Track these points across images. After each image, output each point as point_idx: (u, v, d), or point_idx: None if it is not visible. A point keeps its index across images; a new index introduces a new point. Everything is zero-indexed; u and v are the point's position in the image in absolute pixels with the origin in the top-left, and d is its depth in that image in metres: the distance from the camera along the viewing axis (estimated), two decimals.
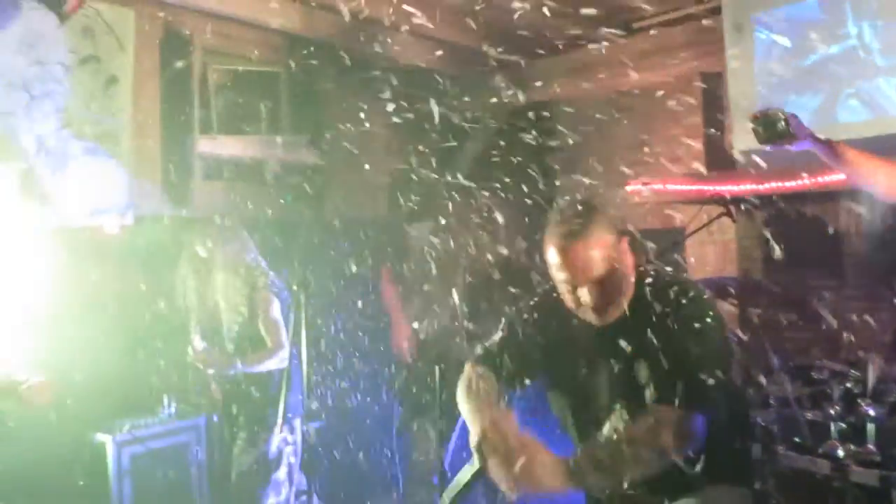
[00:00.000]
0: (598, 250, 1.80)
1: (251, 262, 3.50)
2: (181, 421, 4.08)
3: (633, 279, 1.91)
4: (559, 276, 1.86)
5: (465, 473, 1.87)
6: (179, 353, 3.70)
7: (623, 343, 1.86)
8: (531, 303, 2.12)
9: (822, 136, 2.35)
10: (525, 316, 2.10)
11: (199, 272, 3.52)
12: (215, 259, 3.47)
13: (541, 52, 5.08)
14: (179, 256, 3.58)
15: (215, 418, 4.15)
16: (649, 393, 1.83)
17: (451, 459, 3.62)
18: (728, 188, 4.09)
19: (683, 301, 1.86)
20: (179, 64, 4.15)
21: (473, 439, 1.79)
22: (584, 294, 1.83)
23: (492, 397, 1.96)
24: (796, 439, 3.30)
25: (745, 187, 4.01)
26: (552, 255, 1.85)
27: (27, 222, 3.51)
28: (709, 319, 1.85)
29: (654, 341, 1.81)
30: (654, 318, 1.85)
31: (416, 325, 3.88)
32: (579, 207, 1.85)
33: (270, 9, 4.12)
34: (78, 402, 3.81)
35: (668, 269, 2.09)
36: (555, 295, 1.98)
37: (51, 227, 3.60)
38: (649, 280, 1.91)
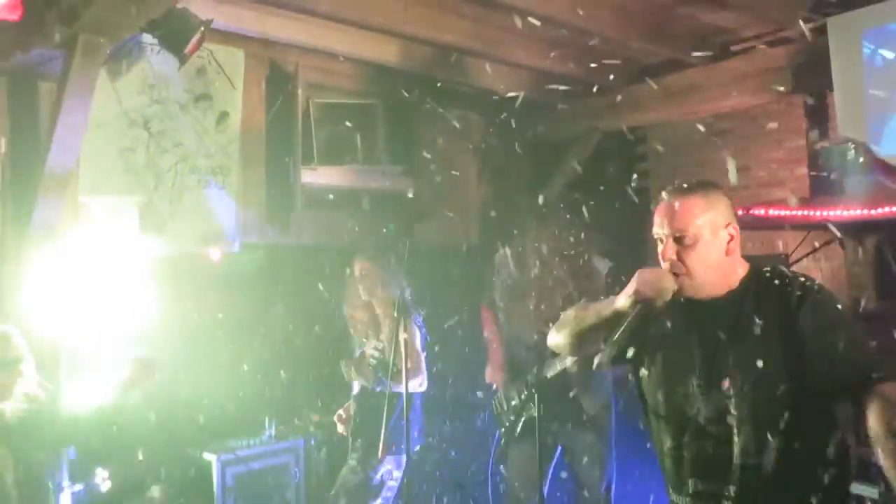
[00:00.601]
0: (689, 211, 1.91)
1: (400, 295, 3.71)
2: (281, 443, 4.22)
3: (738, 267, 1.96)
4: (654, 231, 1.98)
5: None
6: (284, 377, 3.84)
7: (735, 318, 1.90)
8: None
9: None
10: None
11: (355, 300, 3.82)
12: (367, 288, 3.75)
13: (634, 77, 5.05)
14: (278, 285, 3.76)
15: (313, 441, 4.28)
16: (771, 370, 1.84)
17: (549, 485, 3.59)
18: (835, 213, 3.92)
19: (812, 287, 1.89)
20: (283, 98, 4.34)
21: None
22: (669, 248, 1.92)
23: None
24: None
25: (854, 212, 3.84)
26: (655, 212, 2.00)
27: (144, 251, 3.73)
28: (840, 307, 1.90)
29: (777, 313, 1.85)
30: (777, 300, 1.88)
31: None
32: (694, 181, 1.99)
33: (368, 43, 4.28)
34: (187, 421, 4.00)
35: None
36: None
37: (164, 255, 3.81)
38: (768, 268, 1.97)
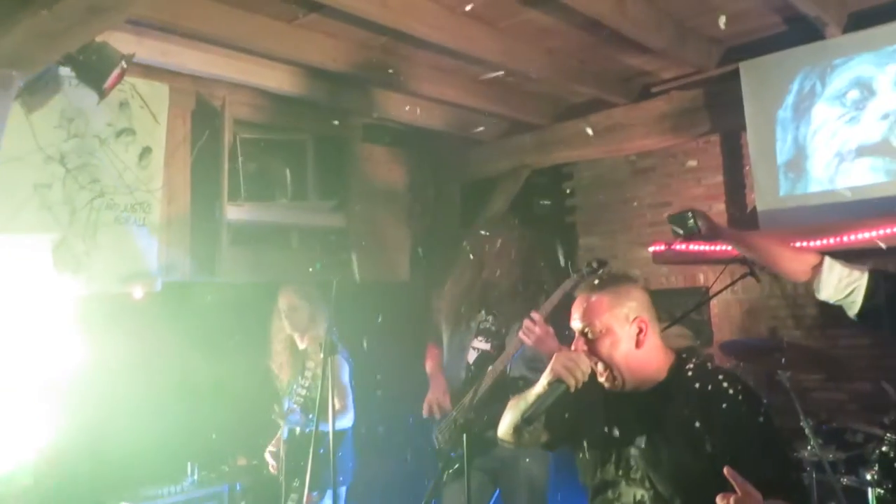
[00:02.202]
0: (595, 309, 2.03)
1: (325, 329, 3.63)
2: (203, 489, 4.06)
3: (659, 359, 2.04)
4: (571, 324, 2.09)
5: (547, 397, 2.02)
6: (207, 419, 3.71)
7: (653, 415, 1.97)
8: None
9: (731, 230, 2.54)
10: None
11: (281, 336, 3.75)
12: (294, 321, 3.70)
13: (561, 115, 5.18)
14: (203, 324, 3.66)
15: (238, 487, 4.14)
16: (671, 467, 1.91)
17: None
18: None
19: (735, 397, 1.93)
20: (209, 134, 4.27)
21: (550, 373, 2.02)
22: (580, 342, 2.04)
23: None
24: None
25: None
26: None
27: (58, 291, 3.57)
28: (761, 410, 1.93)
29: (696, 422, 1.90)
30: (694, 399, 1.94)
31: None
32: (607, 276, 2.12)
33: (296, 80, 4.26)
34: (103, 468, 3.82)
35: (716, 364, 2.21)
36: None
37: (81, 295, 3.66)
38: (691, 365, 2.04)
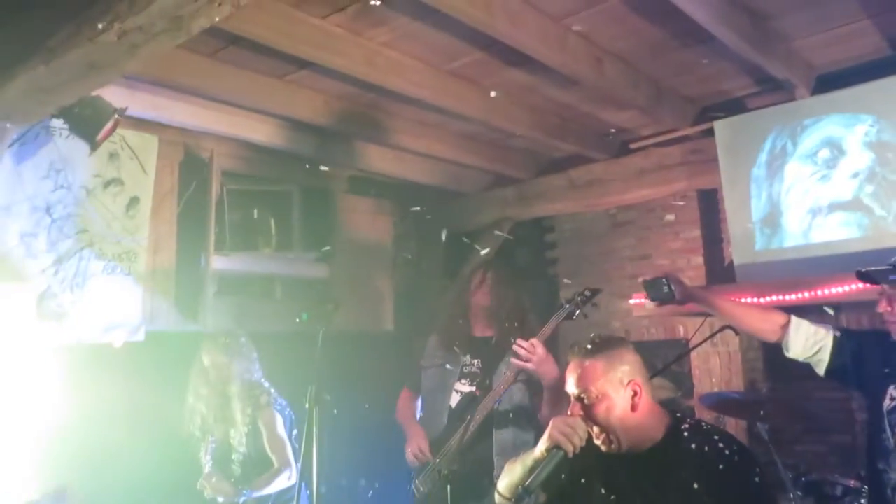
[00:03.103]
0: (590, 374, 2.05)
1: (255, 379, 3.52)
2: None
3: (655, 420, 2.07)
4: (566, 388, 2.12)
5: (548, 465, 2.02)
6: (186, 472, 3.65)
7: (651, 477, 1.99)
8: None
9: (702, 291, 2.75)
10: None
11: (204, 391, 3.53)
12: (220, 377, 3.49)
13: (543, 169, 5.31)
14: (187, 374, 3.60)
15: None
16: None
17: None
18: None
19: (727, 450, 1.97)
20: (196, 184, 4.32)
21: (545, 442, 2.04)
22: (576, 407, 2.06)
23: None
24: None
25: (746, 300, 4.08)
26: None
27: (41, 340, 3.55)
28: (757, 470, 1.97)
29: (694, 483, 1.93)
30: (691, 460, 1.97)
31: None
32: (599, 339, 2.12)
33: (284, 133, 4.35)
34: None
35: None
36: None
37: (64, 345, 3.63)
38: (687, 424, 2.07)
